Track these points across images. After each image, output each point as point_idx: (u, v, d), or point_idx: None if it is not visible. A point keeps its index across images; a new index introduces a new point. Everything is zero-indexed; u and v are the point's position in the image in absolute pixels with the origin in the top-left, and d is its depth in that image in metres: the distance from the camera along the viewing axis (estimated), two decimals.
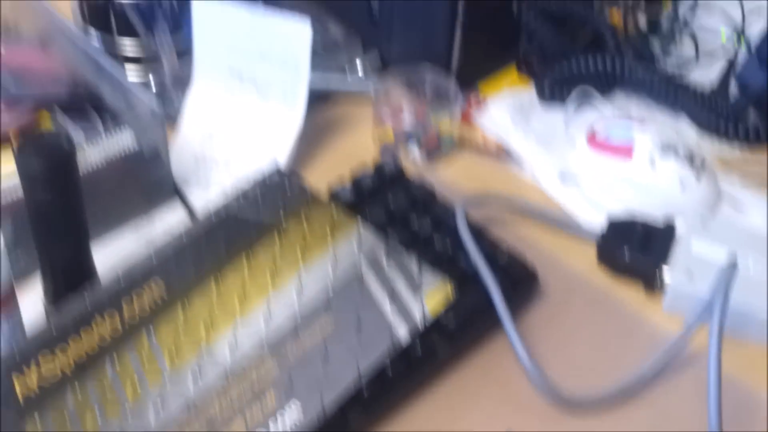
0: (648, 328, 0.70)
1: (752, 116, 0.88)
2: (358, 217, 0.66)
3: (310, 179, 0.73)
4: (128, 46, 0.88)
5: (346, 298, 0.61)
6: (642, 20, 0.95)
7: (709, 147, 0.87)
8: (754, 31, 0.94)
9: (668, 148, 0.80)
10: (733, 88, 0.91)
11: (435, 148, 0.85)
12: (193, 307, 0.61)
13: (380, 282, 0.62)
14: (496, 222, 0.76)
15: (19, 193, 0.60)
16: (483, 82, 0.93)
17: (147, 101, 0.75)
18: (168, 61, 0.86)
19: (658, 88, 0.89)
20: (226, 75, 0.83)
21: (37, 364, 0.57)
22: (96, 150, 0.73)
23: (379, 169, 0.77)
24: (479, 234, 0.71)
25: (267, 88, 0.82)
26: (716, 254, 0.71)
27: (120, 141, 0.75)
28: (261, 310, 0.60)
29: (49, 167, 0.58)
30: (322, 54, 0.91)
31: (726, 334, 0.61)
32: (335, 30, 0.95)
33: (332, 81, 0.91)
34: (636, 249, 0.73)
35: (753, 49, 0.91)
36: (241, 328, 0.60)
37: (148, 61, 0.88)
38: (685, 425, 0.62)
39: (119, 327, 0.60)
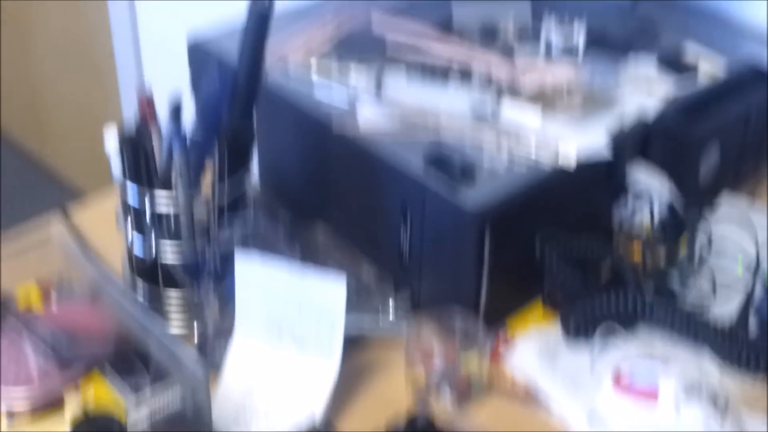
0: None
1: None
2: None
3: (346, 427, 0.76)
4: (173, 297, 0.94)
5: None
6: (660, 256, 0.99)
7: (733, 383, 0.90)
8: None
9: (692, 390, 0.83)
10: (753, 321, 0.95)
11: (465, 391, 0.89)
12: None
13: None
14: None
15: None
16: (511, 319, 0.97)
17: (191, 362, 0.79)
18: (211, 313, 0.91)
19: (679, 326, 0.93)
20: (266, 328, 0.88)
21: None
22: (141, 411, 0.77)
23: (411, 423, 0.80)
24: None
25: (304, 341, 0.87)
26: None
27: (165, 399, 0.79)
28: None
29: None
30: (354, 297, 0.96)
31: None
32: (368, 273, 1.00)
33: (365, 323, 0.96)
34: None
35: (767, 282, 0.95)
36: None
37: (192, 311, 0.93)
38: None
39: None
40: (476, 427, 0.85)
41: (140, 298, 0.96)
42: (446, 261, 0.94)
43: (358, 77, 1.01)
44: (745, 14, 1.21)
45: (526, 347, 0.94)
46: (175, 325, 0.95)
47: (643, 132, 1.01)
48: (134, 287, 0.96)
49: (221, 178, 0.87)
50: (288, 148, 1.07)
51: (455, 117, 0.98)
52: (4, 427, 0.81)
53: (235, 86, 0.87)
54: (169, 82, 2.00)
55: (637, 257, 1.00)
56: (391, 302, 0.98)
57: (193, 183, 0.86)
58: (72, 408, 0.81)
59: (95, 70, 2.31)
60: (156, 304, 0.95)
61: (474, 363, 0.89)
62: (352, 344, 0.93)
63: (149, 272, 0.94)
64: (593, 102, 1.00)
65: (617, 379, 0.86)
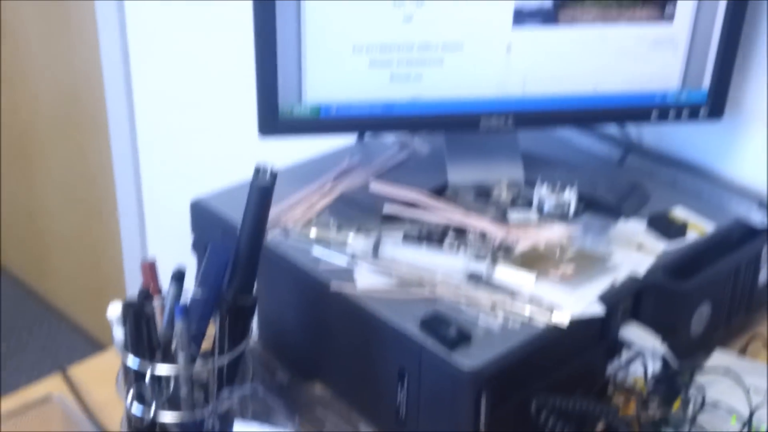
0: None
1: None
2: None
3: None
4: None
5: None
6: (654, 412, 1.00)
7: None
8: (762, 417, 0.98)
9: None
10: None
11: None
12: None
13: None
14: None
15: None
16: None
17: None
18: None
19: None
20: None
21: None
22: None
23: None
24: None
25: None
26: None
27: None
28: None
29: None
30: None
31: None
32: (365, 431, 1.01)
33: None
34: None
35: None
36: None
37: None
38: None
39: None
40: None
41: None
42: (443, 420, 0.95)
43: (356, 240, 1.04)
44: (729, 168, 1.25)
45: None
46: None
47: (635, 289, 1.03)
48: None
49: (221, 350, 0.89)
50: (287, 306, 1.09)
51: (451, 278, 1.00)
52: None
53: (237, 258, 0.90)
54: (170, 229, 2.05)
55: (631, 413, 1.01)
56: None
57: (193, 351, 0.88)
58: None
59: (96, 207, 2.35)
60: None
61: None
62: None
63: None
64: (585, 262, 1.03)
65: None
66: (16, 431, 1.00)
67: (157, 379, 0.90)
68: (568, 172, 1.18)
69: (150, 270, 0.93)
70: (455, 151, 1.19)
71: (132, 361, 0.88)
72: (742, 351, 1.14)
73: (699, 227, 1.12)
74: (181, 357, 0.87)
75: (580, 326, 0.97)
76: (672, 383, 1.01)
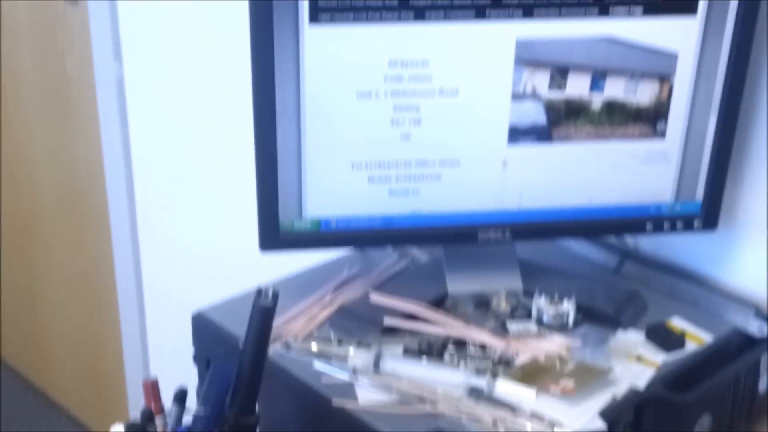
0: None
1: None
2: None
3: None
4: None
5: None
6: None
7: None
8: None
9: None
10: None
11: None
12: None
13: None
14: None
15: None
16: None
17: None
18: None
19: None
20: None
21: None
22: None
23: None
24: None
25: None
26: None
27: None
28: None
29: None
30: None
31: None
32: None
33: None
34: None
35: None
36: None
37: None
38: None
39: None
40: None
41: None
42: None
43: (357, 354, 1.05)
44: (725, 275, 1.26)
45: None
46: None
47: (636, 402, 1.04)
48: None
49: None
50: (288, 420, 1.09)
51: (452, 393, 1.01)
52: None
53: (239, 378, 0.90)
54: (171, 319, 2.04)
55: None
56: None
57: None
58: None
59: (97, 300, 2.35)
60: None
61: None
62: None
63: None
64: (586, 375, 1.04)
65: None
66: None
67: None
68: (566, 282, 1.19)
69: (152, 389, 0.94)
70: (454, 262, 1.20)
71: None
72: None
73: (697, 337, 1.13)
74: None
75: None
76: None
